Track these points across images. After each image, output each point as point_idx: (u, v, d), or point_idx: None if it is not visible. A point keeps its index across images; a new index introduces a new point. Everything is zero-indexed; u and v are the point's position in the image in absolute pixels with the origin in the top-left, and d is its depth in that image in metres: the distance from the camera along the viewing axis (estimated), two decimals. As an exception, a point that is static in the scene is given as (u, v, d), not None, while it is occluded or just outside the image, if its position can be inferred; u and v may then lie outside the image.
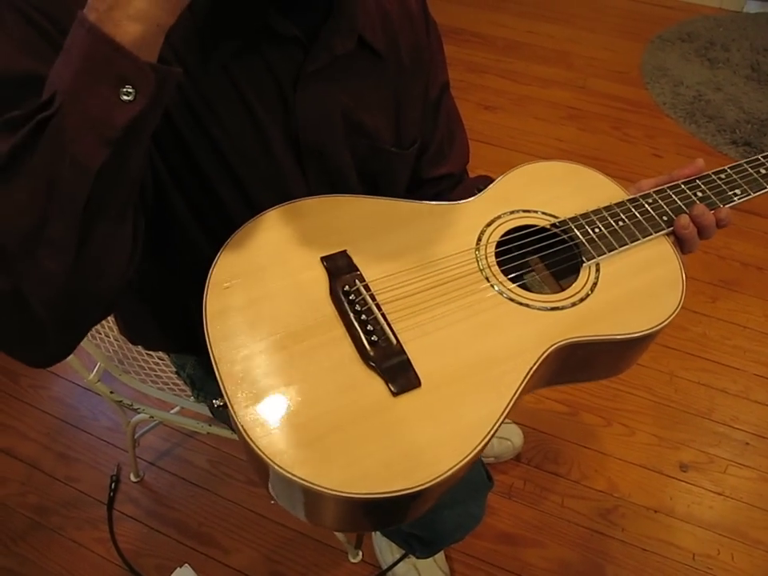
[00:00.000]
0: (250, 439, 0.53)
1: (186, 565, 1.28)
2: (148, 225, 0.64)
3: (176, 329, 0.83)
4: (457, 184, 0.93)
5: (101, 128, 0.48)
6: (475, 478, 0.92)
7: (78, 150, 0.47)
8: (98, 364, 1.05)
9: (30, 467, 1.41)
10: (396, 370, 0.58)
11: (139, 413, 1.13)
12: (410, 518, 0.61)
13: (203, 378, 0.94)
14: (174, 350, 0.91)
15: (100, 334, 1.07)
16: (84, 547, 1.31)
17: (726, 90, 2.35)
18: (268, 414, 0.55)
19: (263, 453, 0.52)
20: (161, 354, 1.11)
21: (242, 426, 0.54)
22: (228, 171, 0.68)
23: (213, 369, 0.57)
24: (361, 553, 1.30)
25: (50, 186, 0.48)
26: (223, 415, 0.97)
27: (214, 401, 0.58)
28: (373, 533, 1.30)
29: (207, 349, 0.58)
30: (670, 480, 1.43)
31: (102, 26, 0.46)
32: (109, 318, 1.02)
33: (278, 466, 0.52)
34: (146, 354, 1.10)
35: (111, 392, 1.08)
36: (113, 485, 1.38)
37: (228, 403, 0.55)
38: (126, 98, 0.47)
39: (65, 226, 0.49)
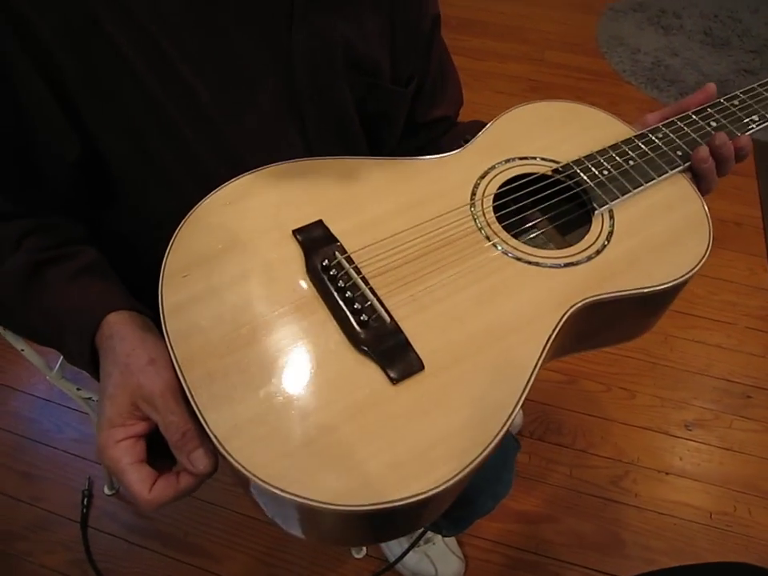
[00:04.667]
0: (227, 451, 0.44)
1: (175, 579, 1.16)
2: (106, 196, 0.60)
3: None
4: (451, 127, 0.86)
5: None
6: (504, 445, 0.84)
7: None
8: (60, 358, 0.93)
9: (-11, 490, 1.27)
10: (393, 353, 0.50)
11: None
12: (429, 521, 0.53)
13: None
14: None
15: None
16: (57, 572, 1.17)
17: (683, 54, 2.35)
18: (245, 420, 0.45)
19: (242, 466, 0.43)
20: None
21: (216, 437, 0.44)
22: (211, 129, 0.59)
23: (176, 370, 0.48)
24: (364, 547, 1.20)
25: None
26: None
27: None
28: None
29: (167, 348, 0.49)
30: (677, 440, 1.38)
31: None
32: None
33: (262, 480, 0.43)
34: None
35: (78, 389, 0.96)
36: (85, 500, 1.25)
37: (197, 410, 0.45)
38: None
39: None
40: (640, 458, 1.35)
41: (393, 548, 1.16)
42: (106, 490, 1.27)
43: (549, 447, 1.36)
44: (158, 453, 0.48)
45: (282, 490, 0.42)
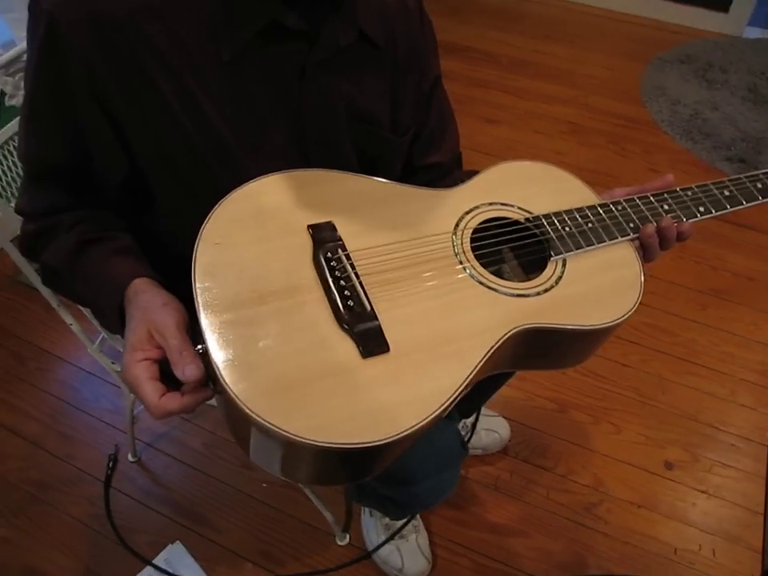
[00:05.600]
0: (227, 384, 0.56)
1: (178, 542, 1.32)
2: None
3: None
4: (447, 174, 0.98)
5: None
6: (450, 447, 0.96)
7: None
8: (101, 335, 1.11)
9: (32, 445, 1.46)
10: (367, 335, 0.62)
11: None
12: (373, 473, 0.65)
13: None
14: None
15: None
16: (80, 522, 1.35)
17: (723, 109, 2.41)
18: (244, 362, 0.58)
19: (237, 397, 0.55)
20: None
21: (220, 372, 0.57)
22: (232, 161, 0.74)
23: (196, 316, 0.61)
24: (348, 536, 1.33)
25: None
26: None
27: (197, 347, 0.61)
28: (361, 514, 1.34)
29: (193, 300, 0.62)
30: (654, 477, 1.46)
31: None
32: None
33: (250, 410, 0.55)
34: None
35: (113, 362, 1.13)
36: (111, 464, 1.42)
37: (208, 349, 0.58)
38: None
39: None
40: (616, 490, 1.43)
41: (371, 536, 1.29)
42: (130, 457, 1.44)
43: (531, 468, 1.46)
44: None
45: (258, 417, 0.54)
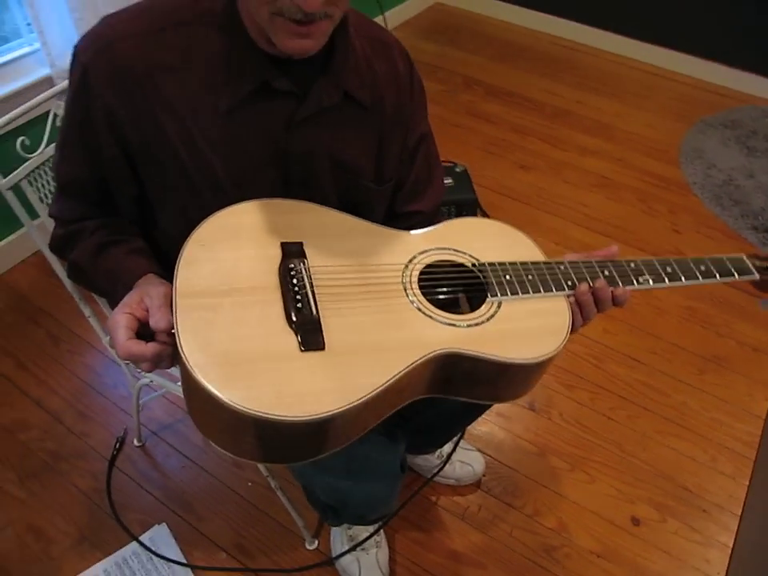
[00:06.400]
0: (183, 352, 0.67)
1: (164, 524, 1.45)
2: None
3: None
4: (427, 222, 1.09)
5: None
6: (386, 463, 1.05)
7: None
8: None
9: (53, 418, 1.63)
10: (308, 333, 0.74)
11: (143, 377, 1.33)
12: (306, 455, 0.74)
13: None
14: None
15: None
16: (83, 493, 1.50)
17: (759, 178, 2.42)
18: (201, 339, 0.70)
19: (188, 363, 0.67)
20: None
21: (181, 343, 0.68)
22: (222, 195, 0.87)
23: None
24: (317, 542, 1.43)
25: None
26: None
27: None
28: (330, 527, 1.44)
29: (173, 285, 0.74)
30: (619, 531, 1.50)
31: None
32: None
33: (196, 374, 0.66)
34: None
35: (121, 355, 1.27)
36: (117, 445, 1.57)
37: (176, 327, 0.70)
38: None
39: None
40: (578, 537, 1.48)
41: (336, 546, 1.39)
42: (135, 442, 1.59)
43: (499, 505, 1.53)
44: None
45: (204, 382, 0.66)
